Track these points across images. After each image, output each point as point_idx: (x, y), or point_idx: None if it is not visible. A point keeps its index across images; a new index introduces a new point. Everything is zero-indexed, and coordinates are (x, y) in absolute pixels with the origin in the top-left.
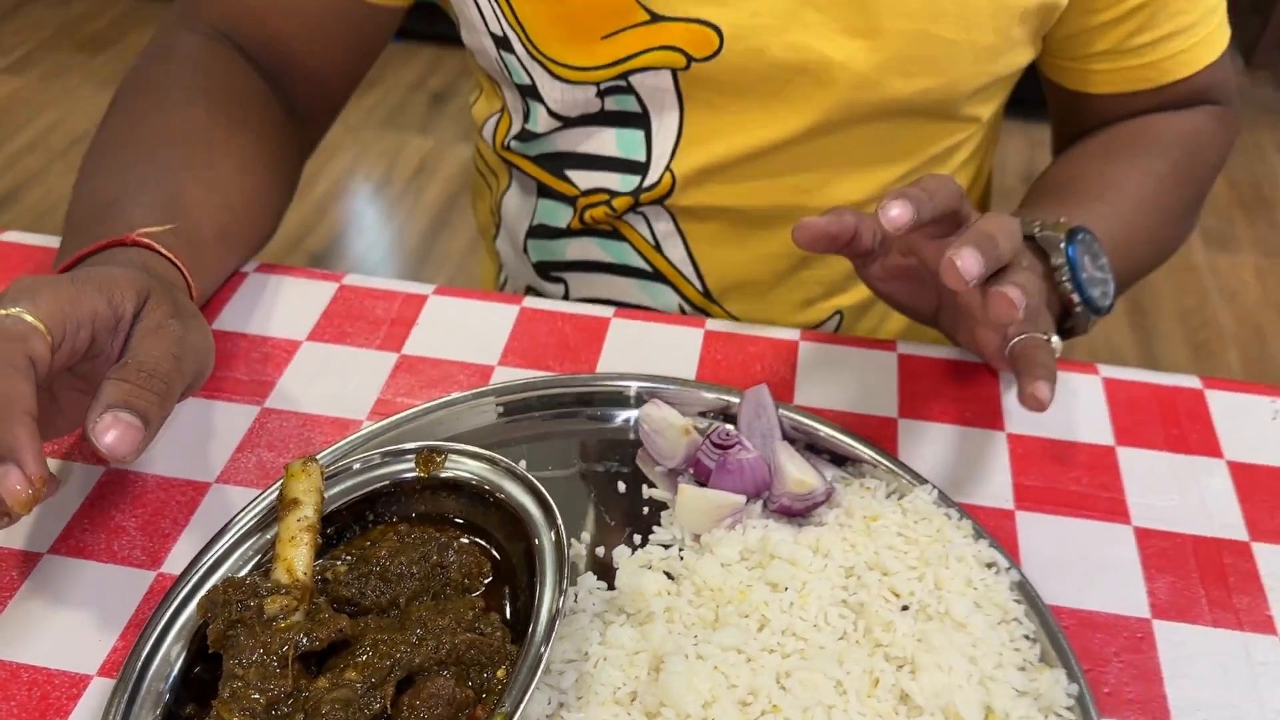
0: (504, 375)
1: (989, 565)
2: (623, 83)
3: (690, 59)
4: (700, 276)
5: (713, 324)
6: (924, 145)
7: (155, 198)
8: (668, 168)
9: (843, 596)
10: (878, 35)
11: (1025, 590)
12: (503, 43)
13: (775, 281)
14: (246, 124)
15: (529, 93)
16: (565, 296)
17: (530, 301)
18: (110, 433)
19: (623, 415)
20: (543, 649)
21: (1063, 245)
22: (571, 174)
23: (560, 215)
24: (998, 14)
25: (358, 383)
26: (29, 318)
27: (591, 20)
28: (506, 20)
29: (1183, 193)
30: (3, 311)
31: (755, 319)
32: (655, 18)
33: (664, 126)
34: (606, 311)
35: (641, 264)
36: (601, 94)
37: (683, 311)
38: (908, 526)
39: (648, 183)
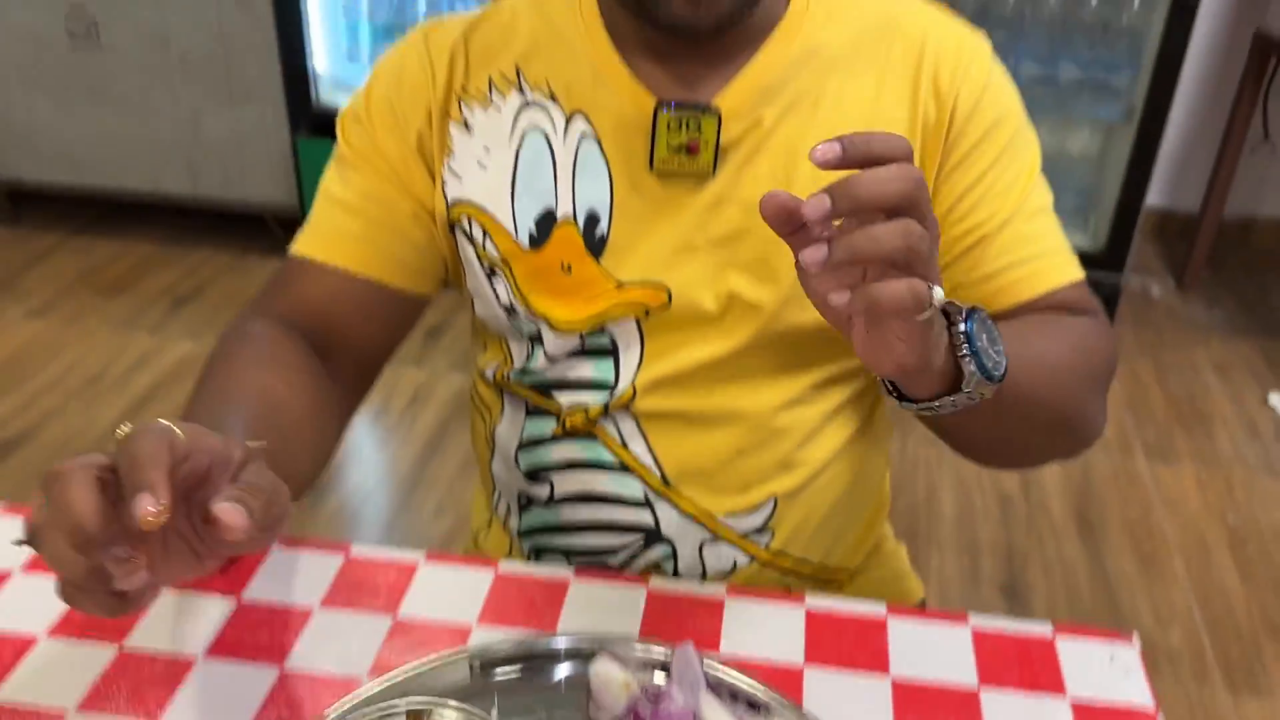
0: (481, 633)
1: None
2: (600, 331)
3: (648, 310)
4: (660, 467)
5: (654, 583)
6: (833, 357)
7: (243, 435)
8: (631, 383)
9: None
10: (778, 281)
11: None
12: (510, 311)
13: (720, 470)
14: (304, 390)
15: (534, 339)
16: (551, 496)
17: (504, 567)
18: (229, 509)
19: (578, 669)
20: None
21: (964, 314)
22: (557, 394)
23: (545, 427)
24: None
25: (360, 645)
26: (169, 423)
27: (577, 290)
28: (514, 296)
29: (1080, 363)
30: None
31: (705, 503)
32: (621, 285)
33: (629, 354)
34: (567, 573)
35: (611, 459)
36: (583, 338)
37: (646, 499)
38: None
39: (615, 396)
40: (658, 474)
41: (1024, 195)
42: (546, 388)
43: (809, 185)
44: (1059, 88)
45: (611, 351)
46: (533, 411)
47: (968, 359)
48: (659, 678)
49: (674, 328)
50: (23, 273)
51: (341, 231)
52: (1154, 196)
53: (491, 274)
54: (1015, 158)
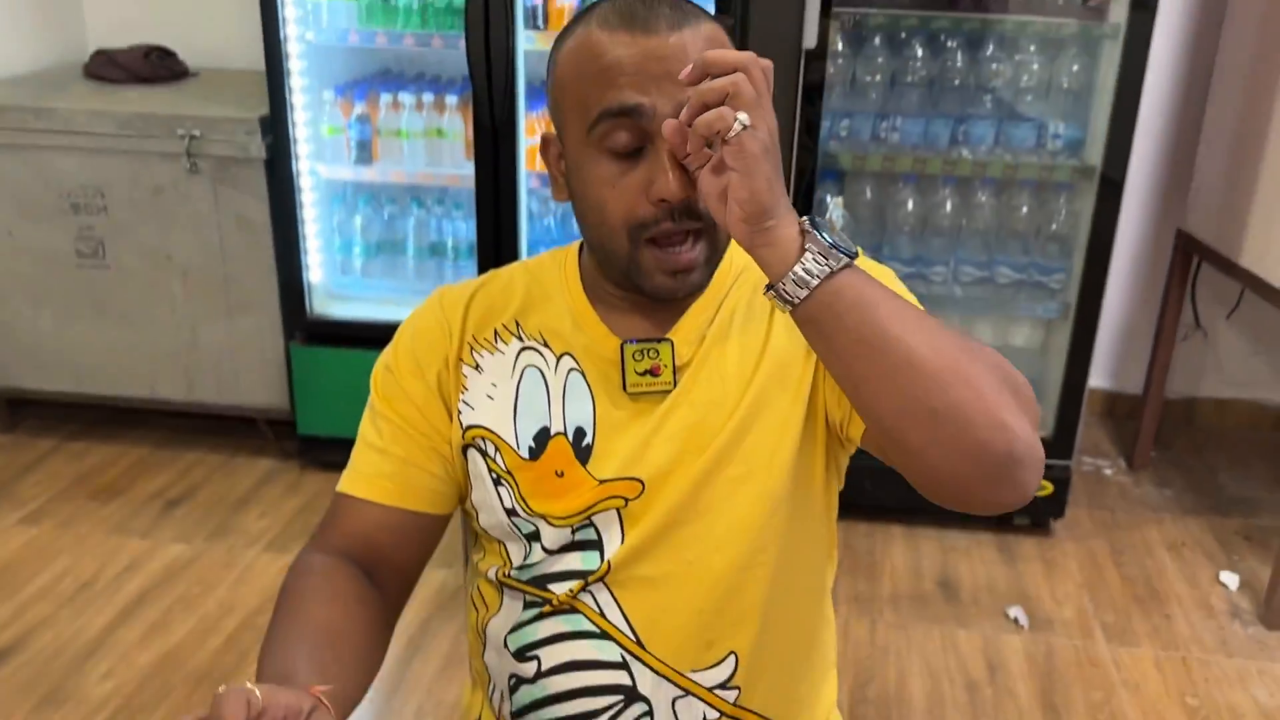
0: None
1: None
2: (587, 523)
3: (626, 500)
4: (633, 630)
5: None
6: (777, 523)
7: (312, 672)
8: (607, 560)
9: None
10: (726, 456)
11: None
12: (512, 513)
13: (684, 627)
14: (360, 617)
15: (532, 537)
16: (539, 671)
17: None
18: None
19: None
20: None
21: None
22: (551, 586)
23: (535, 612)
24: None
25: None
26: (250, 685)
27: (567, 491)
28: (516, 500)
29: (970, 346)
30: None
31: (673, 661)
32: (601, 481)
33: (611, 541)
34: None
35: (592, 628)
36: (573, 530)
37: (624, 660)
38: None
39: (596, 574)
40: (632, 637)
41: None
42: (542, 582)
43: (736, 377)
44: (998, 288)
45: (596, 543)
46: (529, 603)
47: (806, 221)
48: None
49: (648, 511)
50: (18, 479)
51: (376, 472)
52: (1102, 379)
53: (498, 482)
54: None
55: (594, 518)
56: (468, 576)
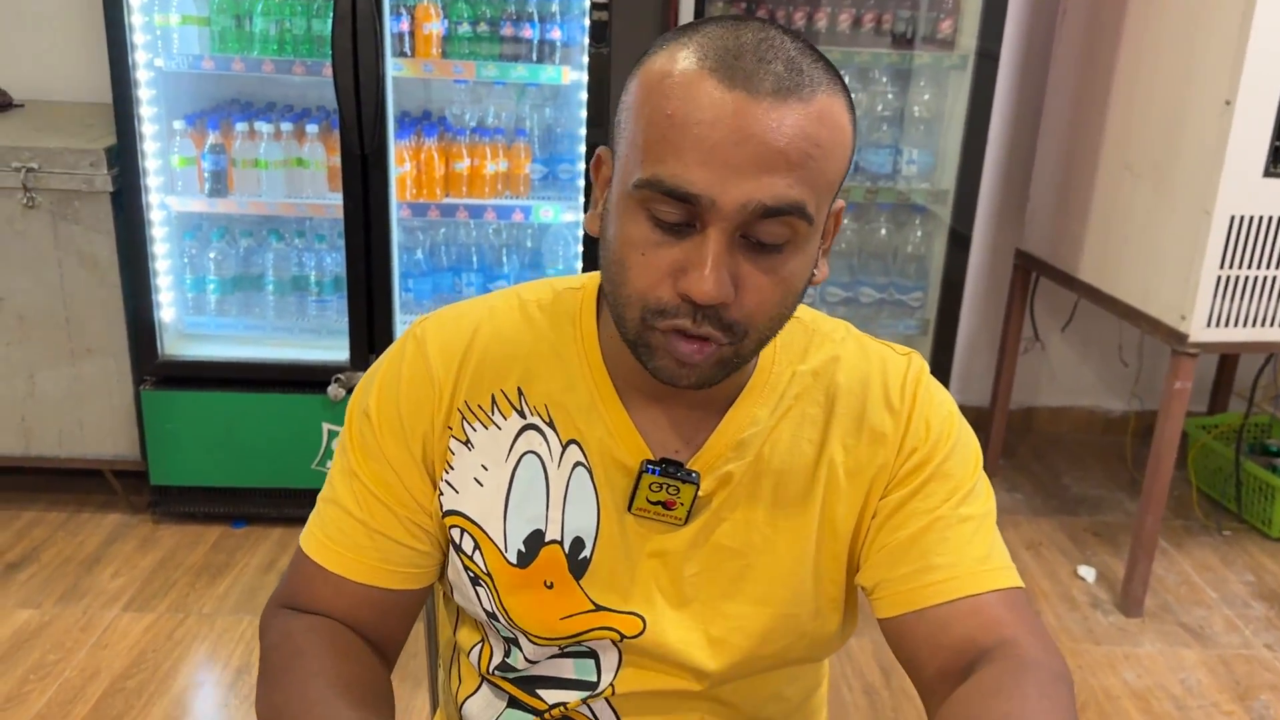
0: None
1: None
2: (576, 644)
3: (624, 636)
4: None
5: None
6: (795, 660)
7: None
8: (610, 684)
9: None
10: (744, 620)
11: None
12: (492, 615)
13: None
14: (375, 666)
15: (511, 641)
16: None
17: None
18: None
19: None
20: None
21: None
22: (541, 691)
23: (528, 717)
24: (818, 593)
25: None
26: None
27: (556, 604)
28: (496, 606)
29: None
30: None
31: None
32: (598, 607)
33: (608, 662)
34: None
35: None
36: (561, 648)
37: None
38: None
39: (596, 693)
40: None
41: (953, 505)
42: (530, 686)
43: (765, 527)
44: (861, 307)
45: (591, 654)
46: (513, 704)
47: None
48: None
49: (648, 654)
50: None
51: (351, 544)
52: (952, 393)
53: (475, 582)
54: (948, 476)
55: (587, 642)
56: (437, 616)
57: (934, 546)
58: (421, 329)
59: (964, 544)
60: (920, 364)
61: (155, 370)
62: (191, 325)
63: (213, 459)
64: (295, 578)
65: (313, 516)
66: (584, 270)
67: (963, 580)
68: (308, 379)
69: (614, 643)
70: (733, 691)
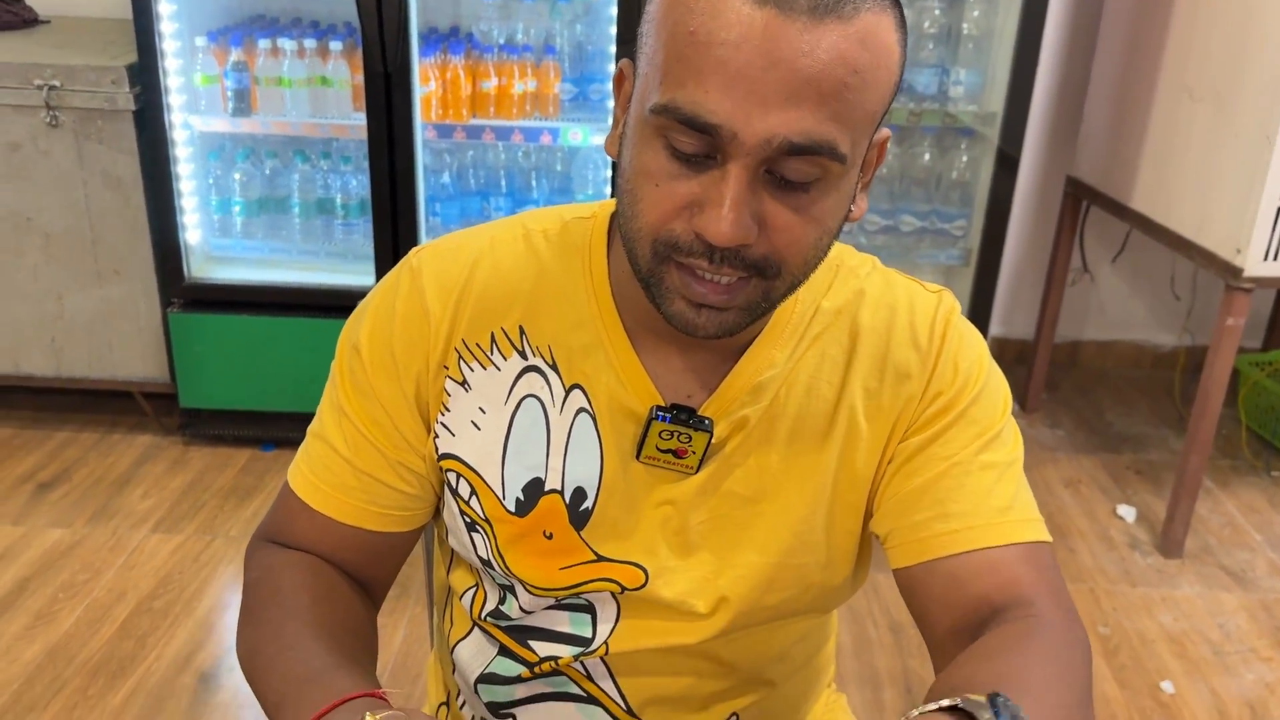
0: None
1: None
2: (574, 595)
3: (624, 588)
4: (624, 698)
5: None
6: (801, 615)
7: (348, 669)
8: (605, 642)
9: None
10: (749, 568)
11: None
12: (487, 563)
13: (683, 697)
14: (359, 611)
15: (506, 588)
16: None
17: None
18: None
19: None
20: None
21: (987, 703)
22: (533, 643)
23: (514, 670)
24: (829, 543)
25: None
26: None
27: (555, 555)
28: (492, 554)
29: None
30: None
31: None
32: (599, 557)
33: (605, 616)
34: None
35: (579, 692)
36: (559, 600)
37: None
38: None
39: (589, 650)
40: (623, 706)
41: (974, 451)
42: (523, 636)
43: (779, 473)
44: (902, 236)
45: (588, 609)
46: (504, 653)
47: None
48: None
49: (648, 606)
50: None
51: (337, 484)
52: (993, 326)
53: (471, 527)
54: (973, 421)
55: (585, 594)
56: (434, 555)
57: (950, 494)
58: (418, 259)
59: (984, 493)
60: (951, 303)
61: (182, 293)
62: (218, 248)
63: (241, 382)
64: (281, 512)
65: (301, 450)
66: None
67: (979, 531)
68: (334, 304)
69: (613, 595)
70: (733, 650)
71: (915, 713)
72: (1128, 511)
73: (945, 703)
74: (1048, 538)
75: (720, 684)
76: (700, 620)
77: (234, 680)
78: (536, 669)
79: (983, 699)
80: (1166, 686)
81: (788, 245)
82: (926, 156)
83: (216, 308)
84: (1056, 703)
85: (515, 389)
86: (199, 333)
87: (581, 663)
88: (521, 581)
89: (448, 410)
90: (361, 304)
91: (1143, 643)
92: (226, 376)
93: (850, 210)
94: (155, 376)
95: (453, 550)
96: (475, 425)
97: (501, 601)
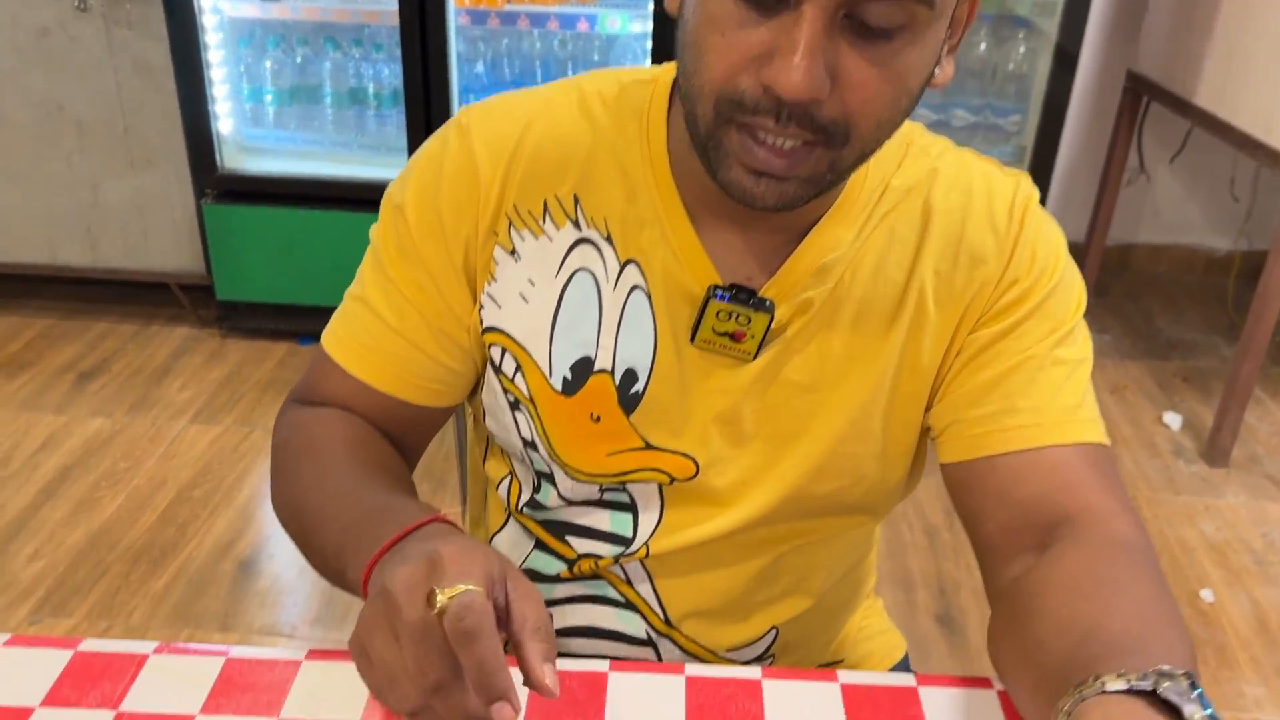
0: None
1: None
2: (620, 486)
3: (673, 479)
4: (663, 608)
5: (691, 669)
6: (848, 513)
7: (404, 502)
8: (646, 543)
9: None
10: (806, 456)
11: None
12: (531, 445)
13: (723, 609)
14: (400, 464)
15: (545, 477)
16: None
17: None
18: (551, 679)
19: None
20: None
21: (1195, 694)
22: (570, 539)
23: (552, 567)
24: (886, 435)
25: None
26: (478, 588)
27: (602, 440)
28: (536, 432)
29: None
30: (462, 586)
31: (706, 640)
32: (648, 445)
33: (647, 514)
34: (603, 666)
35: (617, 597)
36: (602, 490)
37: (649, 637)
38: None
39: (631, 550)
40: (661, 615)
41: (1049, 346)
42: (560, 530)
43: (840, 360)
44: (953, 131)
45: (630, 507)
46: (540, 546)
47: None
48: None
49: (694, 498)
50: None
51: (375, 348)
52: None
53: (515, 406)
54: (1048, 315)
55: (629, 483)
56: (466, 443)
57: (1021, 388)
58: (467, 118)
59: (1054, 389)
60: (1030, 188)
61: (215, 183)
62: (250, 138)
63: (277, 275)
64: (313, 375)
65: (337, 313)
66: None
67: (1047, 428)
68: (368, 197)
69: (660, 487)
70: (777, 553)
71: (1093, 690)
72: (1174, 419)
73: (1135, 683)
74: (1109, 442)
75: (761, 593)
76: (748, 511)
77: (274, 568)
78: (575, 568)
79: (1183, 682)
80: (1206, 595)
81: (862, 105)
82: (982, 47)
83: (250, 199)
84: (1177, 638)
85: (567, 261)
86: (233, 224)
87: (621, 566)
88: (566, 465)
89: (495, 280)
90: (408, 163)
91: (1184, 550)
92: (262, 269)
93: (934, 73)
94: (191, 269)
95: (489, 436)
96: (523, 298)
97: (537, 490)
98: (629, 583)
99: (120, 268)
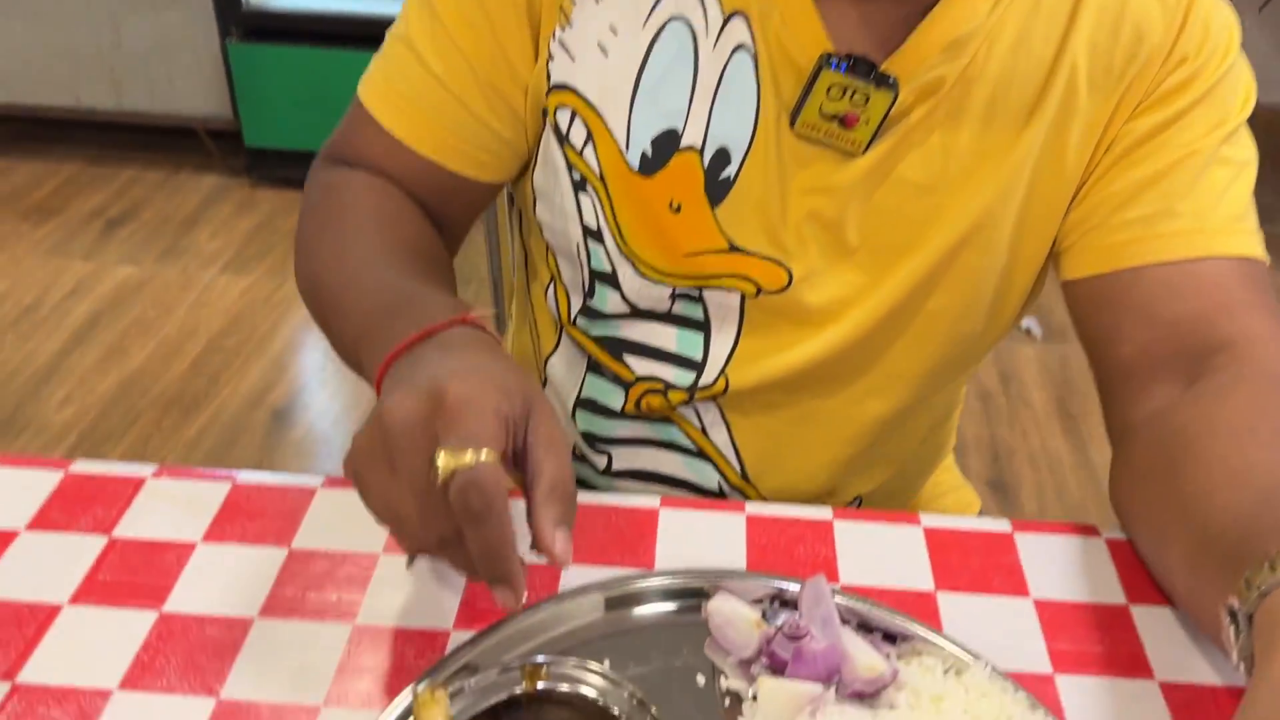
0: (573, 574)
1: None
2: (695, 293)
3: (760, 290)
4: (740, 461)
5: (752, 508)
6: (947, 355)
7: (431, 293)
8: (723, 372)
9: None
10: (911, 273)
11: None
12: (595, 234)
13: (806, 471)
14: (437, 242)
15: (603, 278)
16: (608, 467)
17: (583, 497)
18: (563, 547)
19: (689, 607)
20: None
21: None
22: (628, 358)
23: (612, 396)
24: (1015, 246)
25: (437, 591)
26: (488, 457)
27: (680, 238)
28: (604, 218)
29: None
30: (470, 453)
31: (785, 500)
32: (733, 248)
33: (722, 335)
34: (653, 501)
35: (688, 444)
36: (674, 296)
37: (720, 490)
38: (971, 703)
39: (703, 382)
40: (738, 468)
41: (1216, 141)
42: (617, 347)
43: (968, 155)
44: None
45: (703, 324)
46: (595, 368)
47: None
48: (783, 615)
49: (781, 316)
50: None
51: (415, 98)
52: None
53: (580, 186)
54: (1217, 104)
55: (706, 290)
56: (512, 242)
57: (1182, 188)
58: None
59: (1219, 192)
60: None
61: (241, 20)
62: None
63: (307, 121)
64: (348, 129)
65: (377, 56)
66: None
67: (1210, 236)
68: None
69: (742, 299)
70: (870, 392)
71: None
72: None
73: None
74: (1269, 260)
75: (847, 458)
76: (841, 334)
77: (308, 418)
78: (642, 404)
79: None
80: None
81: None
82: None
83: (278, 38)
84: None
85: (660, 7)
86: (260, 65)
87: (695, 408)
88: (636, 260)
89: (569, 24)
90: None
91: None
92: (292, 114)
93: None
94: (218, 113)
95: (525, 242)
96: (602, 49)
97: (590, 295)
98: (703, 430)
99: (145, 111)
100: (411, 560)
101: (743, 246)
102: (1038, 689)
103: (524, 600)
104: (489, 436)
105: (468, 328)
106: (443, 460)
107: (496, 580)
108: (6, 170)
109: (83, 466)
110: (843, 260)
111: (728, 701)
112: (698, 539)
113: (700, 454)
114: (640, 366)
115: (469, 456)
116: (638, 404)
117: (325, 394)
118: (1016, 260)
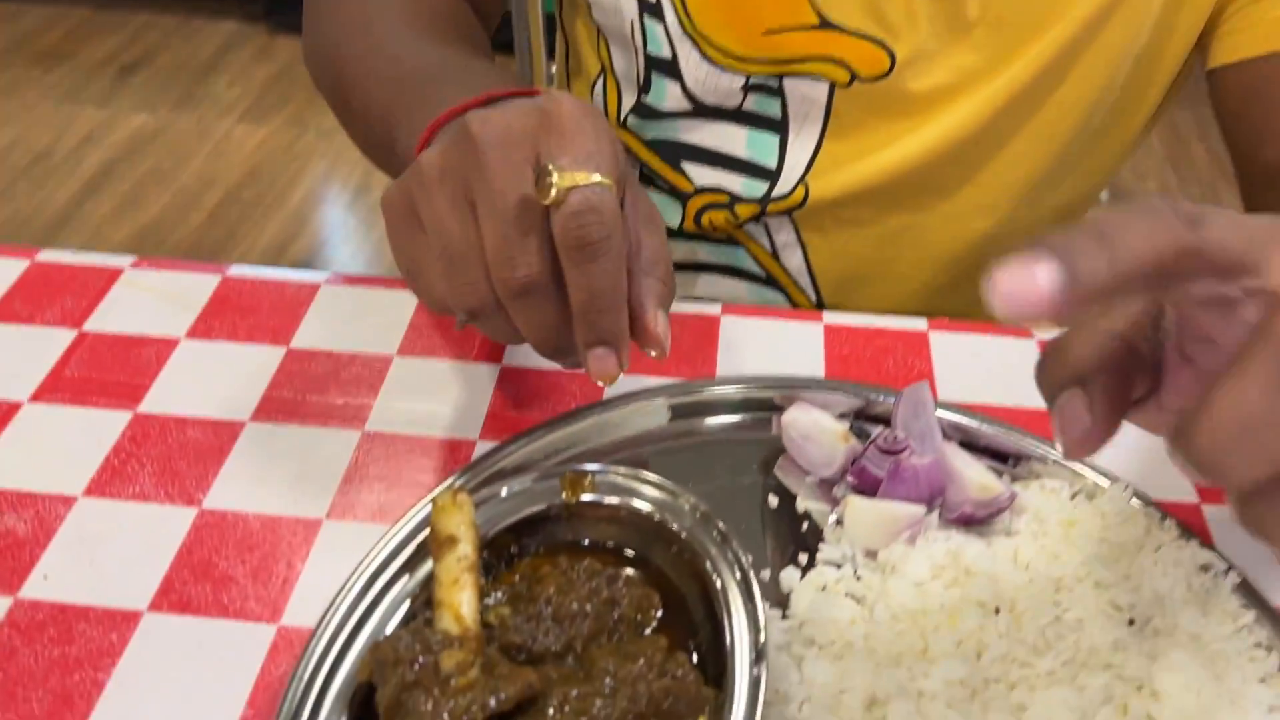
0: (622, 383)
1: (1204, 568)
2: (774, 83)
3: (855, 77)
4: (816, 288)
5: (831, 317)
6: (1055, 162)
7: (476, 64)
8: (803, 180)
9: (1056, 614)
10: (1026, 56)
11: (1250, 593)
12: (653, 9)
13: (893, 296)
14: (461, 16)
15: (661, 66)
16: None
17: None
18: (664, 329)
19: (759, 422)
20: (759, 680)
21: None
22: (688, 167)
23: (668, 212)
24: (1163, 19)
25: (461, 399)
26: (608, 181)
27: (759, 10)
28: None
29: None
30: (587, 176)
31: None
32: (825, 24)
33: (802, 137)
34: (714, 309)
35: (756, 269)
36: (747, 88)
37: None
38: (1110, 530)
39: (778, 192)
40: (812, 295)
41: None
42: (673, 153)
43: None
44: None
45: (780, 124)
46: (648, 178)
47: None
48: (874, 430)
49: (877, 111)
50: None
51: None
52: None
53: None
54: None
55: (787, 80)
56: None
57: None
58: None
59: None
60: None
61: None
62: None
63: None
64: None
65: None
66: None
67: None
68: None
69: (831, 89)
70: (962, 228)
71: None
72: None
73: None
74: None
75: (942, 297)
76: (949, 125)
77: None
78: (703, 220)
79: None
80: None
81: None
82: None
83: None
84: None
85: None
86: None
87: (765, 223)
88: (703, 41)
89: None
90: None
91: None
92: None
93: None
94: None
95: (585, 7)
96: None
97: (645, 90)
98: (774, 252)
99: None
100: (462, 322)
101: (837, 22)
102: (1183, 519)
103: (626, 369)
104: (609, 165)
105: (532, 100)
106: (557, 176)
107: (598, 339)
108: (15, 14)
109: (51, 255)
110: (959, 39)
111: (805, 526)
112: (766, 351)
113: (769, 280)
114: (702, 176)
115: (587, 176)
116: (697, 220)
117: (347, 250)
118: (1166, 37)
